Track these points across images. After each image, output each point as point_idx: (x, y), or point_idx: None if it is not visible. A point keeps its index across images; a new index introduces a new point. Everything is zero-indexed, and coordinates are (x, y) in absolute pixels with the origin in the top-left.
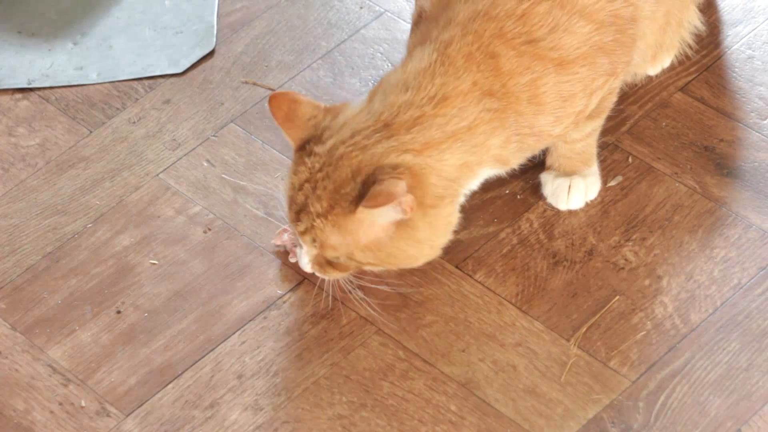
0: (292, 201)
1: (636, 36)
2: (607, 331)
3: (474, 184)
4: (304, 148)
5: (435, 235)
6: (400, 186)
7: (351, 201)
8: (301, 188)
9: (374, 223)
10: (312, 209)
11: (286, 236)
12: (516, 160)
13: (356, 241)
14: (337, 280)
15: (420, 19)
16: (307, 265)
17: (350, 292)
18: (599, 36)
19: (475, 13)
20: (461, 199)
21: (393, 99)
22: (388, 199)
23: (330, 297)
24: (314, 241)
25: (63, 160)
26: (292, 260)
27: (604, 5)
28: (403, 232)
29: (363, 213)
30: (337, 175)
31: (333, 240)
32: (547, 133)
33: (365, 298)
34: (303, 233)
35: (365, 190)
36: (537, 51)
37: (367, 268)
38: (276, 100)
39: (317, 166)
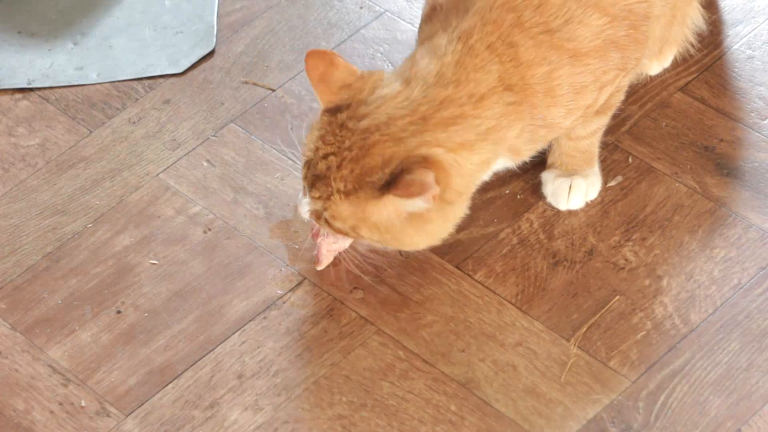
0: (310, 163)
1: (648, 34)
2: (607, 331)
3: (487, 175)
4: (335, 114)
5: (444, 228)
6: (431, 177)
7: (378, 188)
8: (324, 158)
9: (396, 209)
10: (333, 184)
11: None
12: (527, 152)
13: (367, 219)
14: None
15: (433, 13)
16: (306, 213)
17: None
18: (612, 30)
19: (493, 2)
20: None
21: (434, 93)
22: (422, 189)
23: (330, 297)
24: (325, 209)
25: (63, 160)
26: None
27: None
28: (416, 221)
29: (390, 200)
30: (366, 162)
31: (344, 214)
32: (558, 125)
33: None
34: (316, 198)
35: (392, 178)
36: (554, 41)
37: (365, 241)
38: (313, 58)
39: (347, 143)
